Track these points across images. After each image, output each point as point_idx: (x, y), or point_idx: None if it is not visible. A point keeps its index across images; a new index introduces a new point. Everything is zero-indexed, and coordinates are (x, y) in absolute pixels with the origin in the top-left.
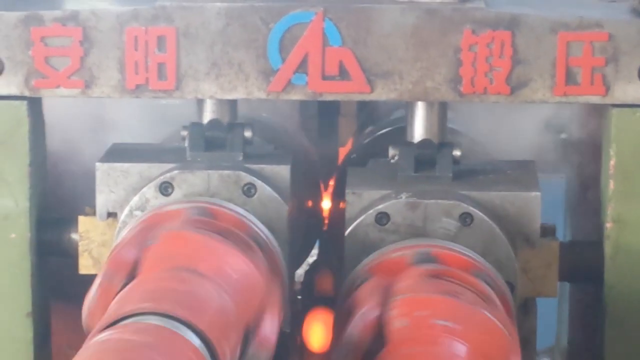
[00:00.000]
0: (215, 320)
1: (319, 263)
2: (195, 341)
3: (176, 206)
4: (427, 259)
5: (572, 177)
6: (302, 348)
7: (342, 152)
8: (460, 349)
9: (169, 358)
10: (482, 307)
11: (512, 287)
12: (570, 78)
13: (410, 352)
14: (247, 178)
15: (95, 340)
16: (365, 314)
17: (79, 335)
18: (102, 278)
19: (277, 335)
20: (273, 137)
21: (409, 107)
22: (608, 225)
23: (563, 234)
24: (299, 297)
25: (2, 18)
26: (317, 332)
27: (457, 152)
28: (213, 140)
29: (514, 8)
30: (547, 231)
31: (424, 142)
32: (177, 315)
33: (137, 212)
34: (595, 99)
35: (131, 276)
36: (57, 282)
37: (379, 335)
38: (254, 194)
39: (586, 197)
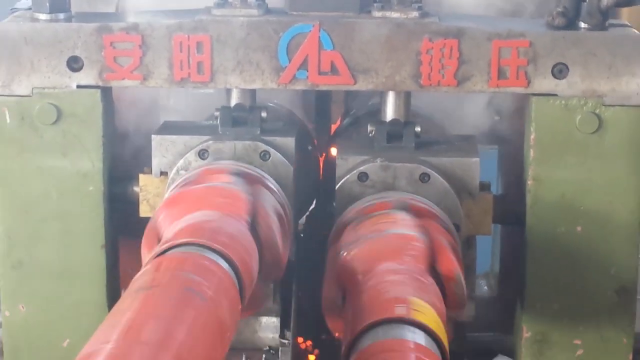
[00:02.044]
0: (240, 251)
1: (317, 210)
2: (224, 264)
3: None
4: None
5: (503, 147)
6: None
7: (333, 128)
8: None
9: (204, 276)
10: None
11: (458, 227)
12: (501, 74)
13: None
14: (263, 147)
15: (150, 264)
16: (363, 239)
17: (139, 263)
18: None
19: (287, 252)
20: (282, 116)
21: (382, 95)
22: (529, 182)
23: (496, 188)
24: (302, 234)
25: (82, 28)
26: None
27: (417, 129)
28: (238, 119)
29: (460, 22)
30: (484, 187)
31: (393, 121)
32: (211, 245)
33: (182, 172)
34: (520, 90)
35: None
36: (123, 222)
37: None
38: (269, 158)
39: (513, 161)
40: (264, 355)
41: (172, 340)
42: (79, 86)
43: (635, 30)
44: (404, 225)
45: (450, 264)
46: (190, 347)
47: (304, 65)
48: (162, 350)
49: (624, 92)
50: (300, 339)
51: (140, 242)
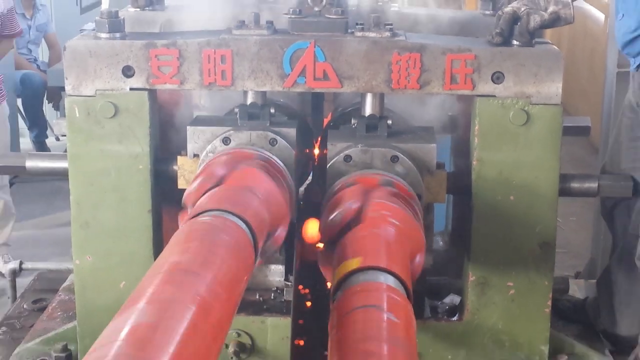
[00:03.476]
0: (255, 215)
1: (312, 184)
2: (243, 225)
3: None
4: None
5: (454, 136)
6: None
7: (325, 121)
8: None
9: (227, 234)
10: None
11: (420, 197)
12: (453, 80)
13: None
14: (272, 135)
15: (186, 225)
16: (348, 205)
17: (177, 223)
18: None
19: (285, 234)
20: (286, 112)
21: (362, 96)
22: (474, 162)
23: (449, 167)
24: (301, 202)
25: (133, 44)
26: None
27: (389, 122)
28: (252, 114)
29: (422, 40)
30: (440, 165)
31: (371, 116)
32: (233, 211)
33: (210, 154)
34: (467, 92)
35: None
36: (165, 192)
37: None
38: (276, 144)
39: (462, 146)
40: (272, 294)
41: (203, 280)
42: (131, 89)
43: (555, 47)
44: (395, 202)
45: (421, 238)
46: (218, 285)
47: (302, 73)
48: (196, 284)
49: (546, 94)
50: (300, 287)
51: (178, 208)
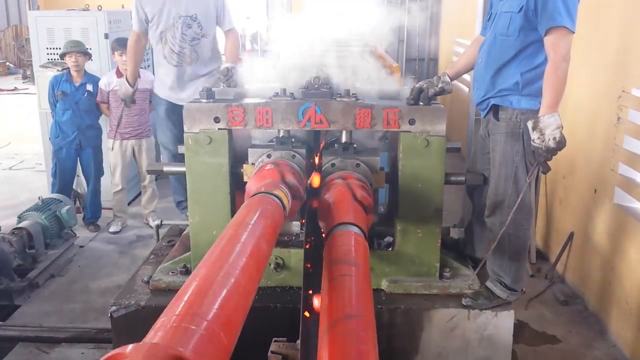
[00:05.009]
0: (284, 195)
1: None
2: (277, 200)
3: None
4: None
5: (390, 153)
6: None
7: (321, 145)
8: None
9: (270, 205)
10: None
11: (371, 185)
12: (389, 123)
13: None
14: (293, 153)
15: (248, 200)
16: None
17: (243, 201)
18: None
19: (300, 206)
20: (301, 140)
21: (341, 132)
22: (400, 166)
23: (387, 169)
24: (308, 188)
25: (219, 105)
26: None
27: (355, 145)
28: (282, 141)
29: (372, 102)
30: (382, 168)
31: (345, 142)
32: (273, 192)
33: (260, 163)
34: (396, 130)
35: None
36: (236, 183)
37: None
38: (295, 157)
39: (394, 158)
40: (293, 237)
41: (257, 228)
42: (218, 129)
43: (442, 105)
44: (357, 187)
45: (372, 207)
46: (263, 230)
47: (309, 120)
48: (253, 231)
49: (437, 130)
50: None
51: (243, 193)
